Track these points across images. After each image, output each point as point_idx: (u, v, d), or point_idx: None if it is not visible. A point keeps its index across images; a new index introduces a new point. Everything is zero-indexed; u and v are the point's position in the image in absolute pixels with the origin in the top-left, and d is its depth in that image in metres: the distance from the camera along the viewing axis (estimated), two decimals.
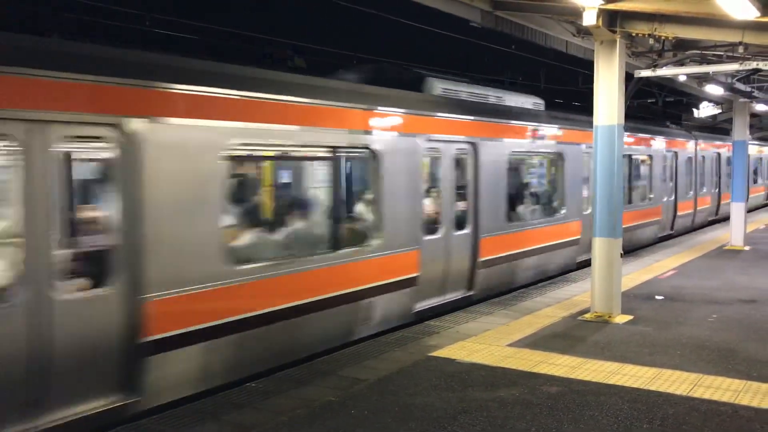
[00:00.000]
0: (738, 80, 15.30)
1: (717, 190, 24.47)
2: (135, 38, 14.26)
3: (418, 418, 5.87)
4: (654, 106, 26.52)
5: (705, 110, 22.77)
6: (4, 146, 5.49)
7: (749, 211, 25.29)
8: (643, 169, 18.38)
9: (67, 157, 6.01)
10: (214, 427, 5.76)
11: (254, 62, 8.36)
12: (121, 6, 14.25)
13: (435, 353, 7.78)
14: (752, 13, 7.76)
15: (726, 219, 23.27)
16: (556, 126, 13.35)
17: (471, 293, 10.79)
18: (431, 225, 10.11)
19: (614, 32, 9.22)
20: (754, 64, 10.76)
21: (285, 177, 9.32)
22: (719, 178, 24.71)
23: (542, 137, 12.89)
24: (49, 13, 13.22)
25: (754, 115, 22.35)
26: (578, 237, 13.94)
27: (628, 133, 15.78)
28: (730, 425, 5.68)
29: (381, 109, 9.06)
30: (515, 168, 12.79)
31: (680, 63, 12.29)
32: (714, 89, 15.49)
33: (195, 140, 6.64)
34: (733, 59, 11.21)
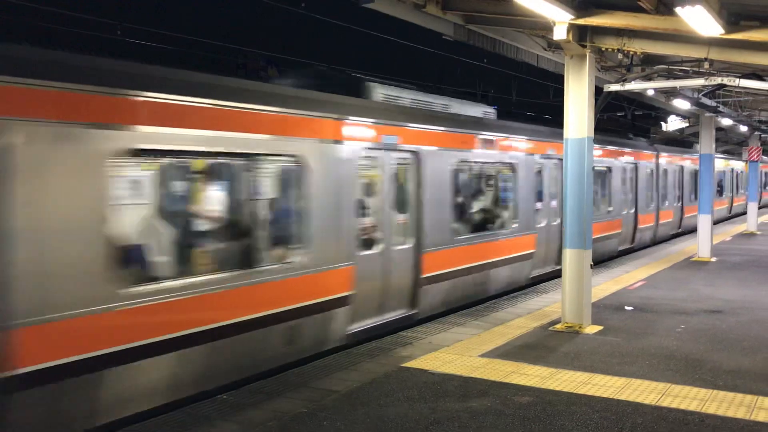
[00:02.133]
0: (704, 95, 15.60)
1: (633, 210, 19.57)
2: (107, 47, 14.15)
3: (391, 430, 5.87)
4: (623, 119, 26.95)
5: (672, 124, 23.19)
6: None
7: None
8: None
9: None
10: None
11: (226, 72, 8.25)
12: (93, 15, 14.14)
13: (407, 364, 7.78)
14: (717, 30, 7.96)
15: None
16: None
17: None
18: None
19: (584, 47, 9.37)
20: (719, 80, 10.98)
21: None
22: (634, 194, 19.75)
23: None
24: (14, 20, 13.05)
25: (720, 129, 22.82)
26: (348, 293, 8.87)
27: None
28: None
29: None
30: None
31: (648, 77, 12.51)
32: (681, 103, 15.79)
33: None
34: (699, 74, 11.46)
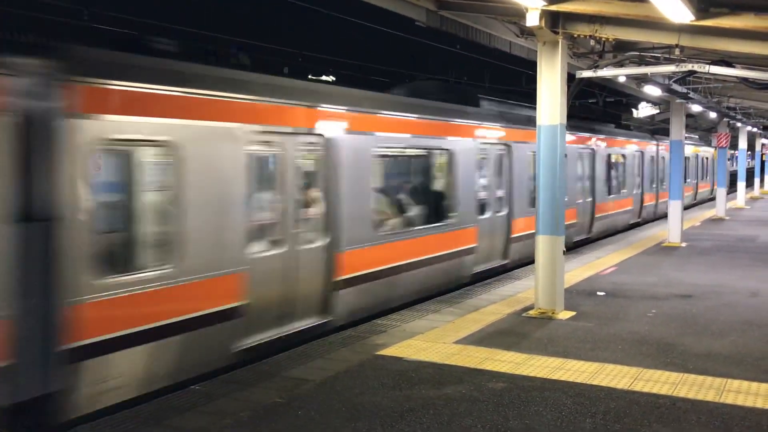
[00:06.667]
0: (675, 81, 15.76)
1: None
2: (72, 33, 13.83)
3: (366, 418, 5.85)
4: (595, 106, 27.15)
5: (643, 110, 23.41)
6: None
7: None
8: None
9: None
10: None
11: (195, 59, 8.03)
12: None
13: (382, 352, 7.77)
14: (688, 17, 8.00)
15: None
16: None
17: None
18: None
19: (556, 33, 9.37)
20: (689, 66, 11.08)
21: None
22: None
23: None
24: None
25: (690, 116, 23.09)
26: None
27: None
28: (669, 417, 5.84)
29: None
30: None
31: (620, 64, 12.58)
32: (652, 90, 15.92)
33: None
34: (669, 61, 11.54)
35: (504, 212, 13.66)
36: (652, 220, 24.27)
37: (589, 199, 18.22)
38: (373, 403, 6.18)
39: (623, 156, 21.42)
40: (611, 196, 20.04)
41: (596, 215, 18.60)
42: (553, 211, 9.64)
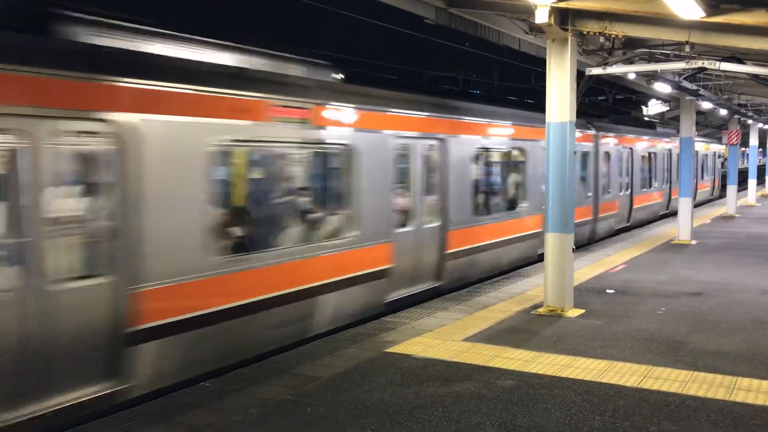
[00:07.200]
0: (685, 78, 15.69)
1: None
2: None
3: (374, 415, 5.86)
4: (604, 103, 27.05)
5: (653, 108, 23.31)
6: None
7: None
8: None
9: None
10: (165, 428, 5.64)
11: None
12: None
13: (391, 349, 7.78)
14: (698, 14, 7.96)
15: None
16: None
17: None
18: None
19: (566, 30, 9.34)
20: (699, 63, 11.03)
21: None
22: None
23: None
24: None
25: (700, 113, 22.97)
26: None
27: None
28: (678, 415, 5.82)
29: None
30: None
31: (629, 61, 12.54)
32: (662, 87, 15.86)
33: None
34: (679, 58, 11.49)
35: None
36: (585, 245, 16.66)
37: (435, 224, 11.30)
38: (382, 401, 6.19)
39: (521, 151, 14.05)
40: (489, 216, 12.89)
41: (449, 251, 11.50)
42: (562, 208, 9.61)
